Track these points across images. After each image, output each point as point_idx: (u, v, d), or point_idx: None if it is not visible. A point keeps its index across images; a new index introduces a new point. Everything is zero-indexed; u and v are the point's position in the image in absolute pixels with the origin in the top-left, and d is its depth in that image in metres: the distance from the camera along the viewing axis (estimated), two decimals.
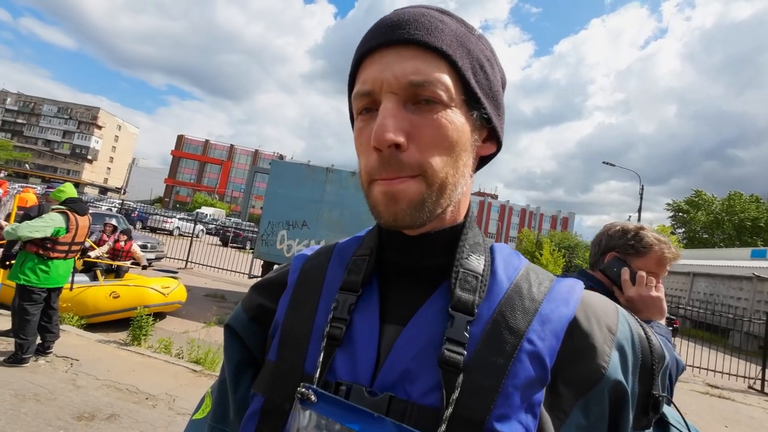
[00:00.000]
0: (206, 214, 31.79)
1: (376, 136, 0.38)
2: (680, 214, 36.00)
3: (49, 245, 3.68)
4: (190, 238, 12.44)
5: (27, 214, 4.10)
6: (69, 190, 4.03)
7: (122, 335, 4.83)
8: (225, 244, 18.80)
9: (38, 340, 3.76)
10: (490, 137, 0.46)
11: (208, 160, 77.99)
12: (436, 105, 0.39)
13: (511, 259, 0.46)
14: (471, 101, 0.42)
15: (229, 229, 21.24)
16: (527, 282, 0.43)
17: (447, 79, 0.39)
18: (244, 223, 23.62)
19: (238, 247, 19.12)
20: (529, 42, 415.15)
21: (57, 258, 3.75)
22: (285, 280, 0.51)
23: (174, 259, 11.67)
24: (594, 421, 0.39)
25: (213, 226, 23.62)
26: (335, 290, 0.45)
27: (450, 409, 0.35)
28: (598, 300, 0.44)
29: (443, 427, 0.34)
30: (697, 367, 8.37)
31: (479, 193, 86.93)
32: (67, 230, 3.76)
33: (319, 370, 0.40)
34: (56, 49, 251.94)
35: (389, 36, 0.40)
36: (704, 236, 33.99)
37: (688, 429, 0.46)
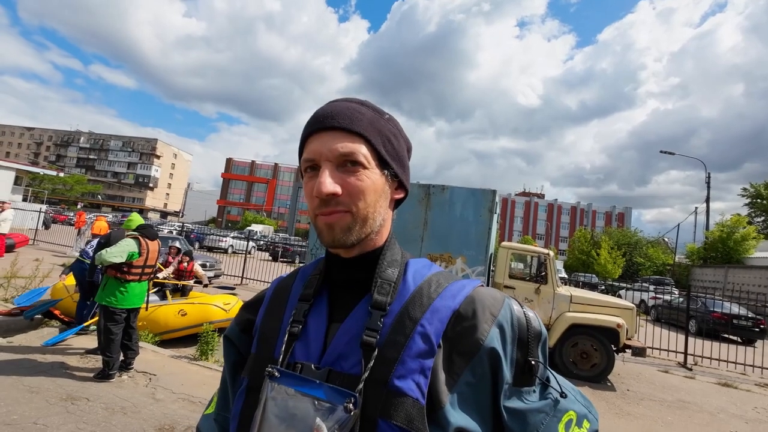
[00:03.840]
0: (256, 231, 33.29)
1: (317, 190, 0.55)
2: (759, 200, 32.26)
3: (125, 269, 4.04)
4: (243, 256, 13.09)
5: (99, 242, 4.56)
6: (136, 219, 4.46)
7: (191, 350, 5.15)
8: (275, 259, 19.53)
9: (121, 357, 4.11)
10: (400, 186, 0.66)
11: (254, 179, 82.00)
12: (359, 167, 0.57)
13: (422, 269, 0.62)
14: (383, 164, 0.60)
15: (278, 244, 22.10)
16: (428, 285, 0.59)
17: (365, 150, 0.58)
18: (292, 237, 24.45)
19: (288, 261, 19.81)
20: (570, 34, 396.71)
21: (133, 280, 4.09)
22: (263, 297, 0.70)
23: (230, 276, 12.32)
24: (479, 379, 0.54)
25: (263, 242, 24.71)
26: (296, 300, 0.63)
27: (366, 374, 0.51)
28: (489, 294, 0.59)
29: (360, 386, 0.50)
30: None
31: (524, 194, 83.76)
32: (140, 254, 4.11)
33: (282, 356, 0.57)
34: (120, 89, 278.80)
35: (325, 124, 0.58)
36: None
37: (560, 387, 0.59)
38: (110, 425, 3.08)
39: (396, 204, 0.68)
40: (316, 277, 0.64)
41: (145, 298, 4.32)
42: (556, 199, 79.14)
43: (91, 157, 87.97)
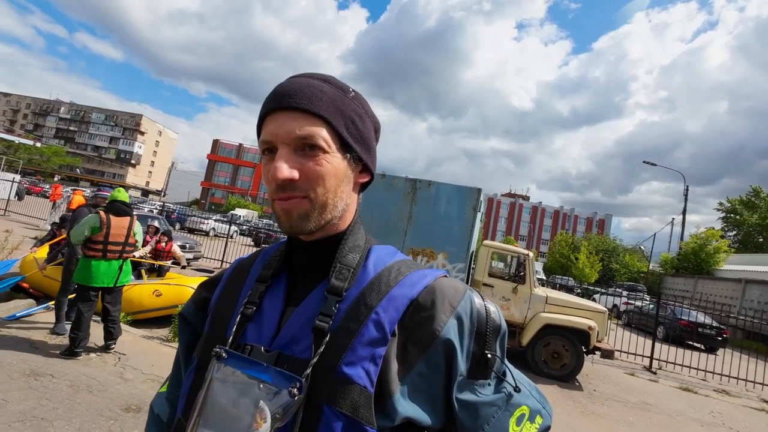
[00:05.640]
0: (240, 216, 32.83)
1: (272, 175, 0.53)
2: (733, 215, 33.43)
3: (88, 245, 3.92)
4: (225, 239, 12.90)
5: (73, 217, 4.43)
6: (116, 194, 4.25)
7: (164, 332, 5.07)
8: (257, 244, 19.35)
9: (90, 337, 4.01)
10: (365, 170, 0.62)
11: (241, 163, 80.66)
12: (318, 150, 0.54)
13: (384, 257, 0.61)
14: (345, 147, 0.57)
15: (262, 230, 21.85)
16: (388, 273, 0.57)
17: (325, 133, 0.55)
18: (275, 224, 24.19)
19: None
20: (567, 39, 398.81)
21: (95, 257, 3.90)
22: (222, 276, 0.69)
23: (210, 259, 12.14)
24: (434, 370, 0.53)
25: (246, 227, 24.37)
26: (254, 281, 0.62)
27: (315, 359, 0.50)
28: (450, 285, 0.58)
29: (308, 370, 0.49)
30: (751, 381, 7.79)
31: (510, 195, 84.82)
32: (100, 229, 3.92)
33: (232, 336, 0.56)
34: (106, 60, 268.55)
35: (282, 103, 0.54)
36: (759, 240, 31.45)
37: (515, 381, 0.59)
38: (74, 403, 3.01)
39: (362, 187, 0.65)
40: (275, 259, 0.63)
41: (117, 278, 4.08)
42: (541, 202, 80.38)
43: (71, 128, 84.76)
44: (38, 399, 2.96)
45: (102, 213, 4.01)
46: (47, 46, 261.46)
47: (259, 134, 0.58)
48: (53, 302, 4.65)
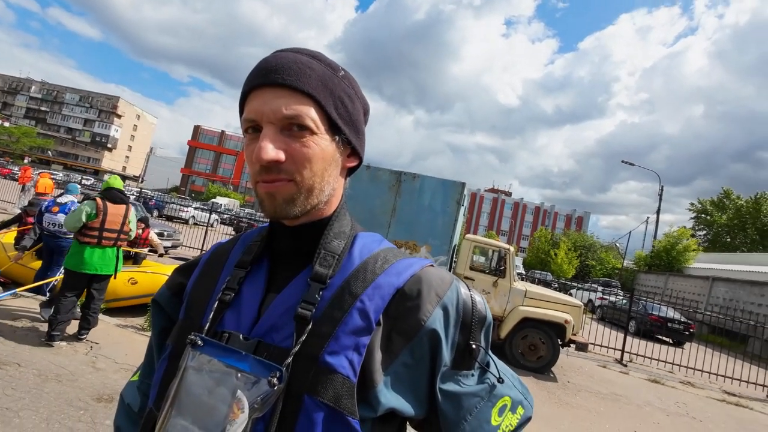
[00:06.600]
0: (221, 204, 32.19)
1: (256, 156, 0.50)
2: (703, 215, 34.82)
3: (83, 231, 3.85)
4: (205, 228, 12.65)
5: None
6: (111, 182, 4.23)
7: (139, 320, 4.94)
8: (238, 233, 19.03)
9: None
10: (353, 153, 0.60)
11: (223, 150, 78.86)
12: (306, 131, 0.51)
13: (370, 244, 0.59)
14: (334, 128, 0.55)
15: (243, 219, 21.50)
16: (374, 260, 0.55)
17: (313, 113, 0.52)
18: (258, 214, 23.88)
19: None
20: (554, 38, 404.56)
21: (89, 243, 3.85)
22: (199, 261, 0.66)
23: (189, 247, 11.88)
24: (418, 360, 0.52)
25: (227, 216, 23.93)
26: (233, 267, 0.59)
27: (296, 348, 0.48)
28: (437, 274, 0.56)
29: (289, 360, 0.47)
30: (714, 374, 8.18)
31: (492, 190, 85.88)
32: (96, 215, 3.88)
33: (208, 324, 0.54)
34: (81, 39, 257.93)
35: (268, 79, 0.51)
36: (727, 239, 32.88)
37: (498, 372, 0.58)
38: (42, 392, 2.90)
39: (349, 172, 0.63)
40: (257, 244, 0.60)
41: (115, 267, 4.06)
42: (522, 198, 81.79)
43: (42, 108, 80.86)
44: (3, 388, 2.84)
45: (99, 200, 3.95)
46: (17, 20, 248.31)
47: (241, 112, 0.55)
48: (21, 288, 4.47)
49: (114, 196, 4.07)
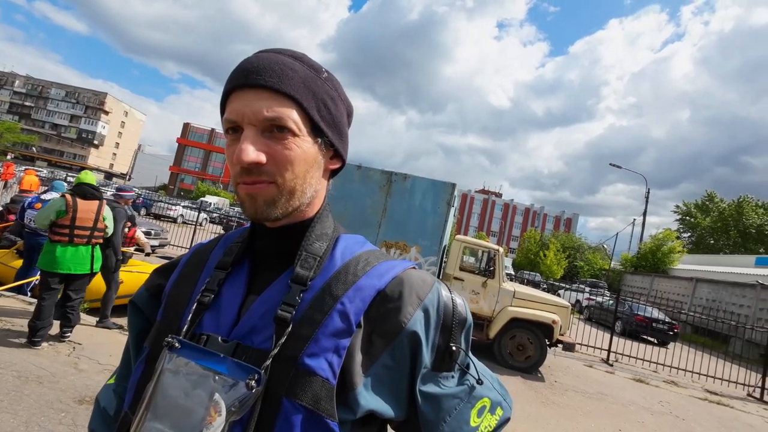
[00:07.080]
0: (210, 203, 31.81)
1: (237, 158, 0.49)
2: (688, 218, 35.54)
3: (54, 229, 3.73)
4: (193, 227, 12.49)
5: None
6: (82, 177, 4.08)
7: (124, 321, 4.85)
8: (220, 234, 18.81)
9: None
10: (336, 155, 0.60)
11: (213, 149, 77.89)
12: (287, 133, 0.51)
13: (353, 246, 0.59)
14: (316, 130, 0.54)
15: (233, 218, 21.27)
16: (356, 263, 0.55)
17: (295, 115, 0.51)
18: None
19: None
20: (545, 42, 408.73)
21: (60, 241, 3.73)
22: (178, 262, 0.65)
23: (177, 246, 11.72)
24: (398, 362, 0.52)
25: (216, 215, 23.65)
26: (213, 268, 0.59)
27: (275, 350, 0.47)
28: (418, 277, 0.56)
29: (268, 362, 0.47)
30: (697, 373, 8.35)
31: (483, 191, 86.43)
32: (66, 212, 3.75)
33: (186, 326, 0.53)
34: (68, 33, 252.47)
35: (249, 80, 0.51)
36: (710, 242, 33.60)
37: (478, 374, 0.58)
38: (21, 395, 2.83)
39: (332, 174, 0.63)
40: (238, 245, 0.60)
41: (90, 265, 3.93)
42: (512, 200, 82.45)
43: (26, 103, 78.91)
44: None
45: (68, 196, 3.82)
46: (2, 14, 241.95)
47: (222, 112, 0.54)
48: (1, 288, 4.36)
49: (84, 191, 3.91)
